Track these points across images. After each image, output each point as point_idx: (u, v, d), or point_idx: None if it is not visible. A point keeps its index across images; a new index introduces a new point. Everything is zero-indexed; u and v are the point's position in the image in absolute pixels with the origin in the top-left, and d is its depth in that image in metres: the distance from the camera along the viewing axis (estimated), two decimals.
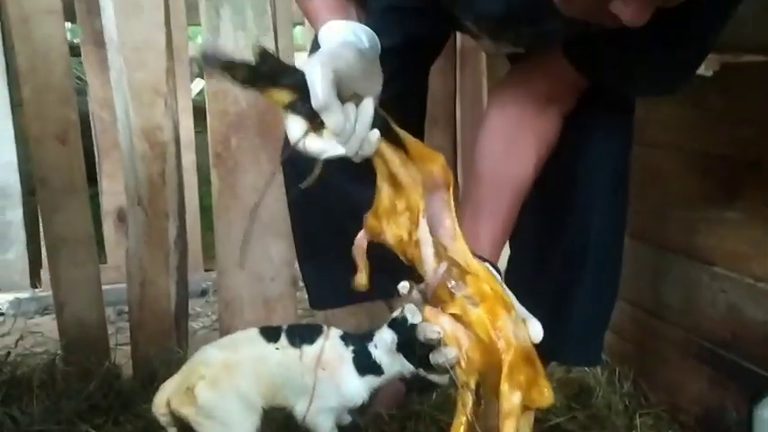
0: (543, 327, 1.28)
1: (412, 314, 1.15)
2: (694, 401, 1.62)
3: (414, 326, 1.13)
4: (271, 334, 1.33)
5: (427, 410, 1.71)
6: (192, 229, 2.54)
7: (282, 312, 1.99)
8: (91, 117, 2.75)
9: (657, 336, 1.77)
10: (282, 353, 1.29)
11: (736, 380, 1.51)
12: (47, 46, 1.79)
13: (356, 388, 1.29)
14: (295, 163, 1.06)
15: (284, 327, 1.35)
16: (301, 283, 1.75)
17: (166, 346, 1.88)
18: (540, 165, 1.29)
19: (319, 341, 1.30)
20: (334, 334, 1.32)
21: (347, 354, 1.29)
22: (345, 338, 1.32)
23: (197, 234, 2.81)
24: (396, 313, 1.23)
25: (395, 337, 1.22)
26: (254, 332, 1.34)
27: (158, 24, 1.78)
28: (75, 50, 2.66)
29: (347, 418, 1.39)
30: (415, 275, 1.18)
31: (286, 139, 1.03)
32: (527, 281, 1.40)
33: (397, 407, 1.69)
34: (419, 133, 1.68)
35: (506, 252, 1.59)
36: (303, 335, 1.33)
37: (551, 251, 1.42)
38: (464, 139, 2.61)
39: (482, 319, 1.05)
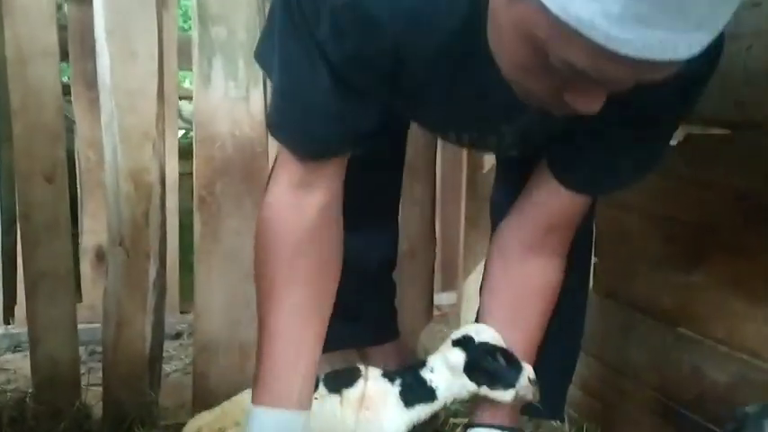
0: None
1: (477, 332, 1.22)
2: None
3: (484, 343, 1.19)
4: None
5: None
6: (171, 270, 2.55)
7: None
8: (76, 156, 2.78)
9: (624, 393, 1.81)
10: (320, 402, 1.25)
11: None
12: (40, 86, 1.83)
13: (399, 421, 1.24)
14: None
15: (321, 375, 1.31)
16: None
17: (138, 389, 1.88)
18: (546, 318, 1.34)
19: (360, 382, 1.27)
20: (374, 372, 1.30)
21: (393, 388, 1.26)
22: (387, 374, 1.29)
23: (175, 276, 2.82)
24: (456, 334, 1.26)
25: (464, 355, 1.22)
26: None
27: (152, 72, 1.84)
28: (64, 90, 2.71)
29: None
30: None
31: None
32: None
33: None
34: (398, 185, 1.74)
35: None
36: (341, 379, 1.30)
37: None
38: (444, 190, 2.68)
39: None
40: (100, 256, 2.66)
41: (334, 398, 1.27)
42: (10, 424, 1.72)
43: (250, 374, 1.38)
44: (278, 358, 1.16)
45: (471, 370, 1.21)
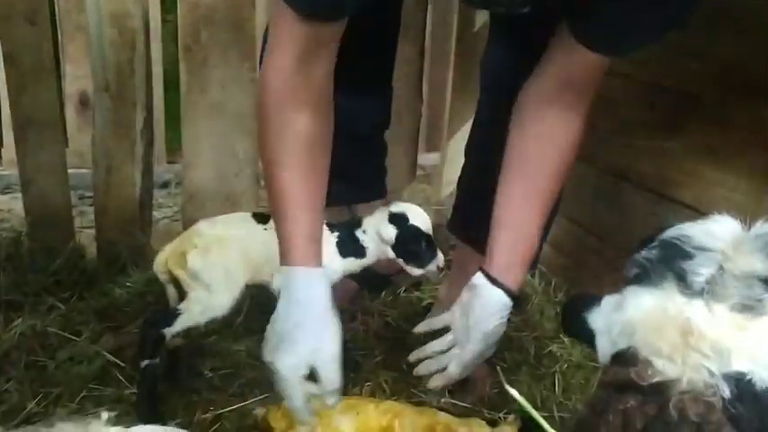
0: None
1: (412, 216, 1.41)
2: None
3: (415, 227, 1.40)
4: (261, 218, 1.47)
5: (376, 307, 1.87)
6: (157, 121, 2.55)
7: (244, 208, 2.06)
8: None
9: (592, 252, 1.92)
10: (269, 233, 1.38)
11: None
12: None
13: (334, 267, 1.42)
14: None
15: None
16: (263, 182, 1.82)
17: (130, 232, 1.96)
18: (563, 172, 1.33)
19: None
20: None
21: (331, 237, 1.44)
22: (330, 225, 1.44)
23: (161, 126, 2.82)
24: (392, 208, 1.43)
25: (395, 232, 1.41)
26: (247, 215, 1.50)
27: None
28: None
29: None
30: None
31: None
32: (476, 189, 1.53)
33: (349, 302, 1.82)
34: (394, 48, 1.73)
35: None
36: None
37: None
38: (433, 52, 2.64)
39: None
40: (84, 101, 2.65)
41: None
42: (7, 259, 1.80)
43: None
44: (304, 223, 1.23)
45: (397, 245, 1.41)
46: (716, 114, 1.52)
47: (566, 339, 1.75)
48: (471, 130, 1.73)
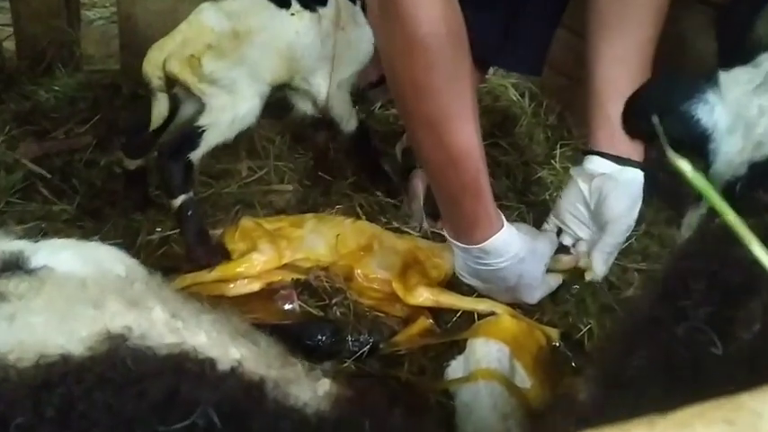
0: (495, 33, 1.21)
1: None
2: None
3: None
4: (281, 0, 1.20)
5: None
6: None
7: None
8: None
9: None
10: (299, 18, 1.18)
11: None
12: None
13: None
14: None
15: None
16: None
17: (54, 26, 1.64)
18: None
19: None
20: None
21: (357, 8, 1.27)
22: None
23: None
24: None
25: None
26: None
27: None
28: None
29: None
30: None
31: None
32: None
33: None
34: None
35: None
36: None
37: None
38: None
39: None
40: None
41: (312, 15, 1.22)
42: None
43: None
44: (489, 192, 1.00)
45: None
46: None
47: (557, 164, 1.58)
48: None
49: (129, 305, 0.48)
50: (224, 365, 0.41)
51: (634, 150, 1.03)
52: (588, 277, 1.09)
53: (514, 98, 1.85)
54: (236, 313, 1.05)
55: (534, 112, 1.80)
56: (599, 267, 1.08)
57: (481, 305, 1.06)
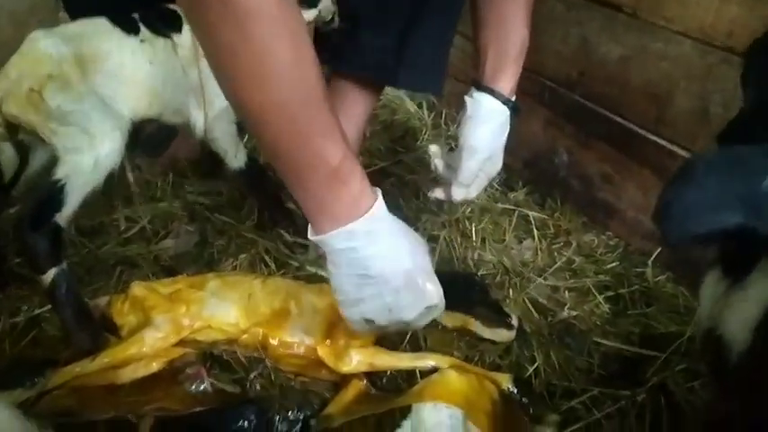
0: (390, 54, 1.20)
1: None
2: (524, 144, 1.53)
3: None
4: (125, 23, 1.03)
5: None
6: None
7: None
8: None
9: None
10: (150, 45, 1.03)
11: (572, 122, 1.44)
12: None
13: None
14: None
15: (135, 15, 1.07)
16: None
17: None
18: None
19: (186, 27, 1.08)
20: None
21: None
22: None
23: None
24: None
25: None
26: (102, 21, 1.02)
27: None
28: None
29: None
30: None
31: None
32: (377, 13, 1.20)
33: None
34: None
35: None
36: (165, 21, 1.08)
37: None
38: None
39: None
40: None
41: (166, 42, 1.07)
42: None
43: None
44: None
45: None
46: None
47: None
48: None
49: None
50: None
51: (505, 86, 1.09)
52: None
53: (412, 110, 1.75)
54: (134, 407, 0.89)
55: (434, 123, 1.71)
56: (458, 195, 1.11)
57: (421, 362, 0.94)
